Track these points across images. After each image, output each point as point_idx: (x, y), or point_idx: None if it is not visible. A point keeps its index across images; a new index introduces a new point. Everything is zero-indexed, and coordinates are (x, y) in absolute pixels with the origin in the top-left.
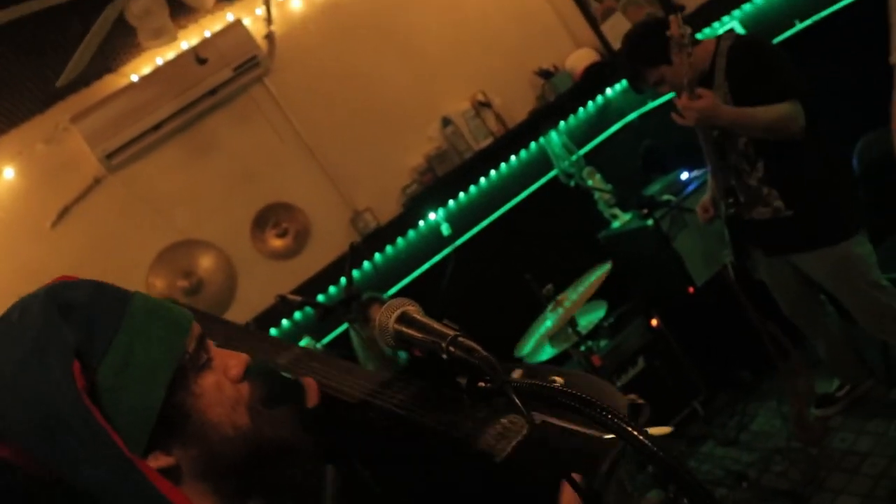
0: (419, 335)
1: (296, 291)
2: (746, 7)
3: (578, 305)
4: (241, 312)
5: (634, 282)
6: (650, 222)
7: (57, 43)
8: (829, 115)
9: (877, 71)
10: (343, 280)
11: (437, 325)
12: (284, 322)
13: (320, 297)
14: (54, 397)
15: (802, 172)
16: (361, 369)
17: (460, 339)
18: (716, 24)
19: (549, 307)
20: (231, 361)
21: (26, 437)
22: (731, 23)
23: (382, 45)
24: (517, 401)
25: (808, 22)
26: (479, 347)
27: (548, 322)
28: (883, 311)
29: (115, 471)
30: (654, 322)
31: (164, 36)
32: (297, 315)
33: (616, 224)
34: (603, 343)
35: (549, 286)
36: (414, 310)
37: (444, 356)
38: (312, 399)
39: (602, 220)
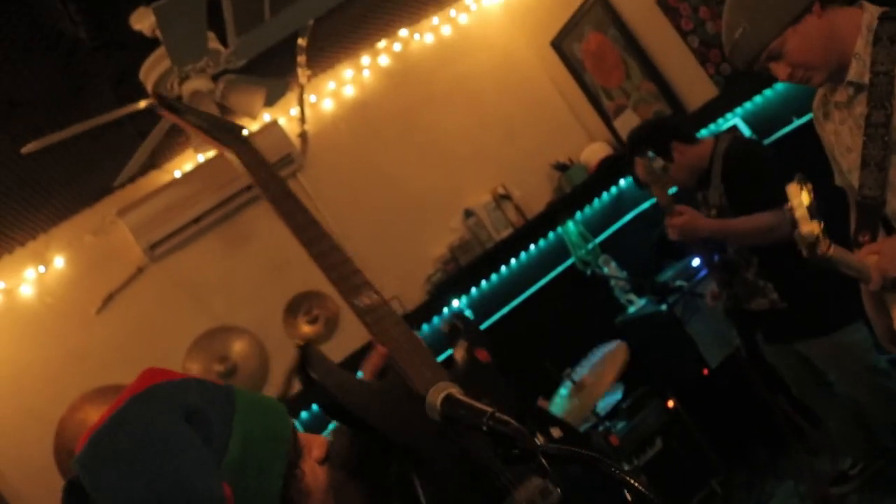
0: (462, 412)
1: None
2: (747, 105)
3: (600, 390)
4: (272, 395)
5: (651, 364)
6: (664, 307)
7: (110, 144)
8: (826, 204)
9: None
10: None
11: (476, 404)
12: (314, 406)
13: None
14: None
15: (795, 266)
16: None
17: (496, 415)
18: (720, 121)
19: (569, 389)
20: (315, 443)
21: None
22: (733, 119)
23: (408, 142)
24: (545, 463)
25: (805, 118)
26: (512, 421)
27: (566, 402)
28: (885, 395)
29: None
30: (670, 403)
31: None
32: None
33: (632, 309)
34: (621, 424)
35: (568, 369)
36: (456, 391)
37: (485, 429)
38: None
39: (618, 306)
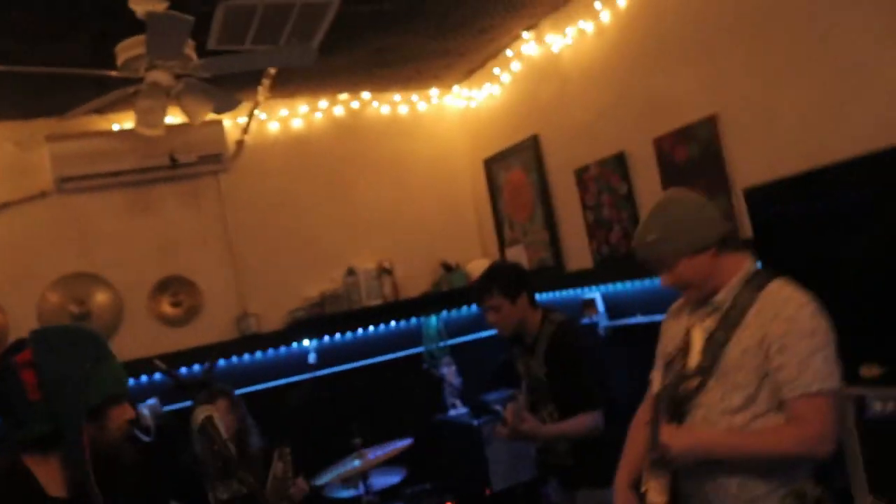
0: (212, 431)
1: (167, 358)
2: (610, 286)
3: (372, 464)
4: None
5: (444, 466)
6: (476, 423)
7: (65, 78)
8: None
9: None
10: (207, 364)
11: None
12: (143, 378)
13: (182, 371)
14: None
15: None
16: None
17: (227, 442)
18: (585, 290)
19: (353, 455)
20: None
21: None
22: (595, 293)
23: (327, 188)
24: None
25: (644, 318)
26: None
27: (349, 466)
28: None
29: None
30: None
31: (155, 129)
32: (157, 377)
33: (451, 413)
34: None
35: (359, 438)
36: (217, 417)
37: (215, 448)
38: None
39: (442, 405)
